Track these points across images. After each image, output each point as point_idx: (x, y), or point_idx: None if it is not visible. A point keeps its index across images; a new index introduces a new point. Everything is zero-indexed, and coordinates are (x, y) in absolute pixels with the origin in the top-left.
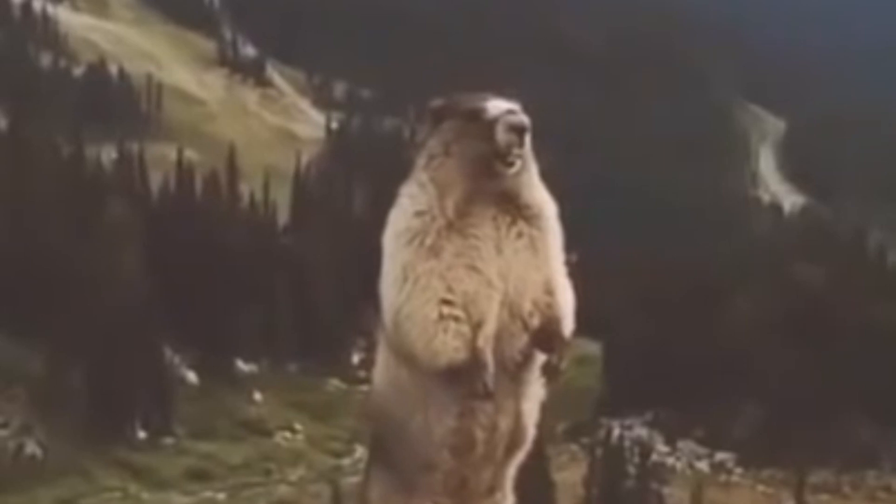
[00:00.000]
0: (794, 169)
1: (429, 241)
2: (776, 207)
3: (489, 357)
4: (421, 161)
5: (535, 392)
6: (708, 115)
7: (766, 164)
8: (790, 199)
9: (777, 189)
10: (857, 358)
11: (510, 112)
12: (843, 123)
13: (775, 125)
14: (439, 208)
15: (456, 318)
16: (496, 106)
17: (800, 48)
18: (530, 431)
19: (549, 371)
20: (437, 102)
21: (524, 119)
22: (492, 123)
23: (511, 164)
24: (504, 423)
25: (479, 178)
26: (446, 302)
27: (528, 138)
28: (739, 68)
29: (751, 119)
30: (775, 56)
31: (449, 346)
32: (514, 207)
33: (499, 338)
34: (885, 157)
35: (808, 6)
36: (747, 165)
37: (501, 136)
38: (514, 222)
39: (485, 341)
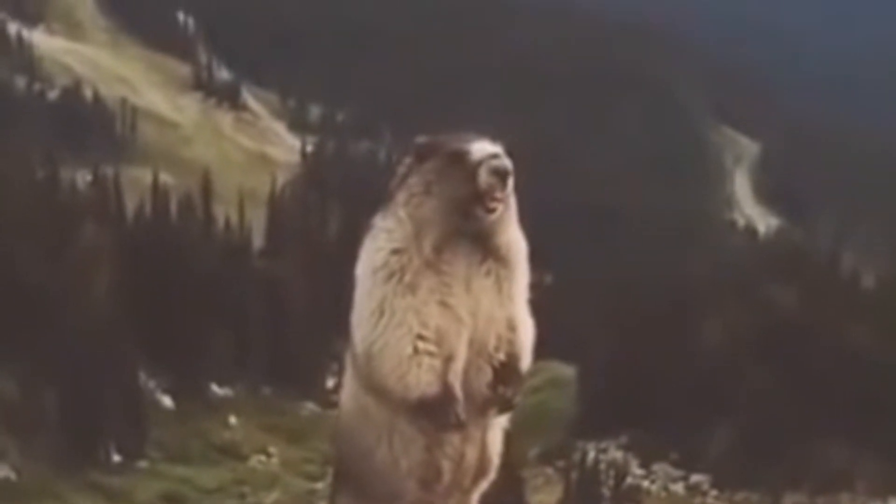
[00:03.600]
0: (769, 191)
1: (406, 279)
2: (750, 230)
3: (459, 391)
4: (401, 197)
5: (499, 422)
6: (682, 137)
7: (741, 186)
8: (765, 221)
9: (751, 211)
10: (831, 379)
11: (494, 156)
12: (817, 145)
13: (749, 147)
14: (416, 247)
15: (430, 353)
16: (480, 149)
17: (773, 70)
18: (495, 460)
19: (501, 403)
20: (421, 140)
21: (507, 164)
22: (475, 167)
23: (492, 210)
24: (471, 454)
25: (457, 220)
26: (421, 337)
27: (510, 182)
28: (713, 90)
29: (725, 141)
30: (749, 78)
31: (422, 380)
32: (485, 246)
33: (466, 372)
34: (860, 179)
35: (781, 28)
36: (721, 188)
37: (484, 179)
38: (483, 260)
39: (454, 376)
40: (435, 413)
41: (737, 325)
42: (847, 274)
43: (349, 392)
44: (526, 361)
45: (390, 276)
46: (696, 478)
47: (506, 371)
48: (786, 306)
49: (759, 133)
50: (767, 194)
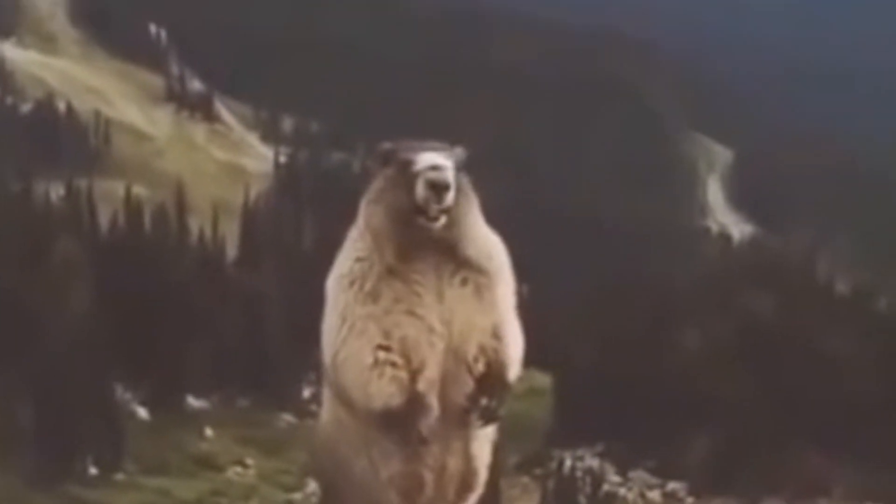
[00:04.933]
0: (743, 198)
1: (367, 287)
2: (725, 237)
3: (433, 401)
4: (362, 205)
5: (485, 433)
6: (656, 145)
7: (715, 193)
8: (739, 228)
9: (725, 219)
10: (808, 386)
11: (433, 168)
12: (790, 152)
13: (723, 154)
14: (377, 254)
15: (392, 364)
16: (424, 159)
17: (745, 77)
18: (482, 473)
19: (485, 414)
20: (384, 146)
21: (445, 177)
22: (414, 178)
23: (434, 220)
24: (453, 465)
25: (406, 228)
26: (382, 347)
27: (449, 196)
28: (686, 98)
29: (698, 149)
30: (721, 85)
31: (384, 391)
32: (457, 255)
33: (444, 382)
34: (833, 185)
35: (753, 34)
36: (695, 195)
37: (420, 191)
38: (457, 270)
39: (427, 386)
40: (399, 425)
41: (713, 333)
42: (822, 280)
43: (327, 404)
44: (513, 370)
45: (351, 283)
46: (672, 485)
47: (488, 381)
48: (762, 313)
49: (732, 141)
50: (741, 201)
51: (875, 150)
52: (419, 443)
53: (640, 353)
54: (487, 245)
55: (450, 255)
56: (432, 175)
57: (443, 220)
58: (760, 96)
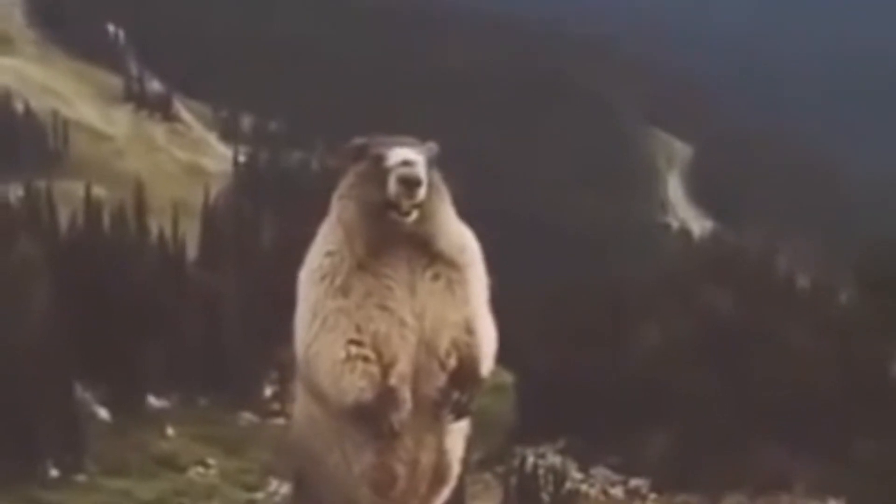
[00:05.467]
0: (703, 194)
1: (338, 281)
2: (685, 233)
3: (405, 395)
4: (333, 200)
5: (458, 427)
6: (613, 141)
7: (675, 189)
8: (699, 224)
9: (685, 215)
10: (768, 381)
11: (405, 164)
12: (749, 147)
13: (682, 150)
14: (348, 248)
15: (364, 358)
16: (396, 154)
17: (704, 73)
18: (455, 467)
19: (456, 408)
20: (357, 141)
21: (417, 172)
22: (386, 173)
23: (406, 214)
24: (426, 459)
25: (378, 222)
26: (354, 342)
27: (420, 191)
28: (643, 94)
29: (658, 145)
30: (680, 81)
31: (356, 385)
32: (429, 250)
33: (416, 376)
34: (793, 180)
35: (712, 31)
36: (655, 192)
37: (392, 187)
38: (430, 264)
39: (399, 380)
40: (370, 419)
41: (673, 328)
42: (782, 275)
43: (300, 398)
44: (486, 365)
45: (322, 277)
46: (635, 481)
47: (460, 375)
48: (722, 308)
49: (691, 136)
50: (701, 197)
51: (834, 145)
52: (391, 436)
53: (600, 350)
54: (461, 239)
55: (422, 249)
56: (404, 171)
57: (414, 214)
58: (719, 92)
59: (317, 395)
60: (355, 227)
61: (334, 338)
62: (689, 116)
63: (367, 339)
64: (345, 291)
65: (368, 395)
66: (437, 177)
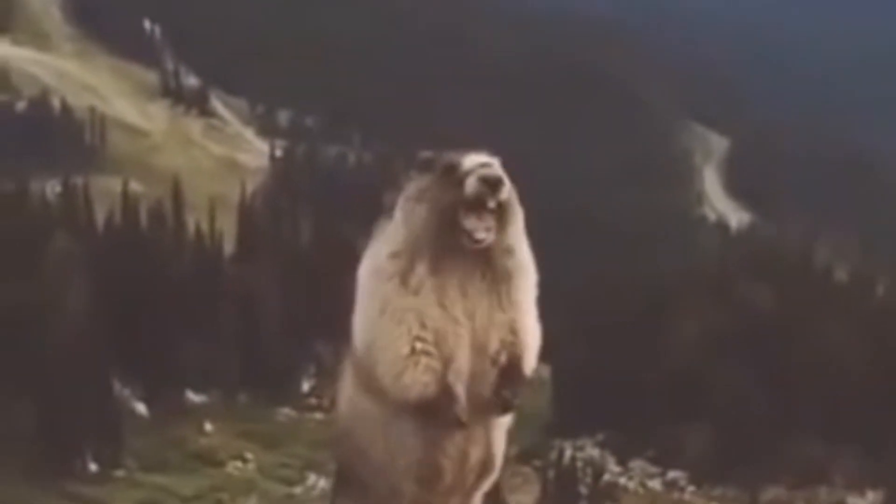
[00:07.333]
0: (740, 187)
1: (406, 280)
2: (722, 226)
3: (461, 392)
4: (399, 203)
5: (503, 421)
6: (651, 136)
7: (711, 182)
8: (736, 217)
9: (722, 208)
10: (807, 374)
11: (484, 165)
12: (786, 140)
13: (719, 143)
14: (415, 250)
15: (427, 354)
16: (471, 159)
17: (740, 66)
18: (499, 459)
19: (502, 404)
20: (425, 154)
21: (498, 172)
22: (464, 175)
23: (478, 242)
24: (475, 454)
25: (448, 232)
26: (419, 338)
27: (504, 190)
28: (680, 88)
29: (694, 138)
30: (717, 75)
31: (419, 380)
32: (486, 256)
33: (470, 374)
34: (829, 172)
35: (748, 24)
36: (692, 185)
37: (472, 185)
38: (482, 264)
39: (455, 376)
40: (435, 413)
41: (711, 322)
42: (820, 269)
43: (346, 394)
44: (529, 364)
45: (391, 276)
46: (673, 474)
47: (508, 373)
48: (760, 302)
49: (727, 129)
50: (738, 190)
51: (872, 137)
52: (458, 427)
53: (638, 343)
54: (521, 255)
55: (478, 254)
56: (485, 171)
57: (489, 239)
58: (754, 85)
59: (377, 389)
60: (422, 231)
61: (400, 333)
62: (726, 109)
63: (429, 335)
64: (413, 290)
65: (432, 391)
66: (514, 195)
